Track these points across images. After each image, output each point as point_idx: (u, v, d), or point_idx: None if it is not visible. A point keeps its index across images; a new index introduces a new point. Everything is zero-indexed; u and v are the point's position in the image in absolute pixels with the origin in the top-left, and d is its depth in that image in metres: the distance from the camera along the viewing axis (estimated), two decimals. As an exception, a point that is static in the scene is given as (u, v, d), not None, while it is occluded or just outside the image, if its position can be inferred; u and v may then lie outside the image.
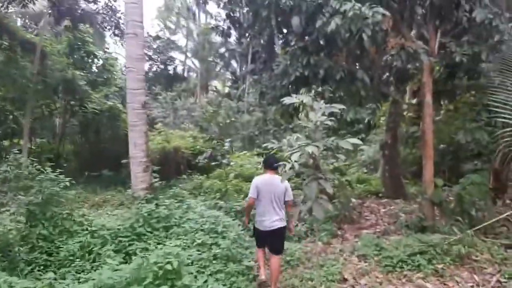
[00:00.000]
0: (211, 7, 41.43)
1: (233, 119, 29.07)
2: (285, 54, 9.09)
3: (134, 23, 8.81)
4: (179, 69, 42.34)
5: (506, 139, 7.33)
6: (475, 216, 9.39)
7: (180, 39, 41.72)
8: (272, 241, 6.38)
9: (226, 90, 40.42)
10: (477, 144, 10.52)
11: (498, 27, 8.65)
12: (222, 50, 41.68)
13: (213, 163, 13.89)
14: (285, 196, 6.32)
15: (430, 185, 10.03)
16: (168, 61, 40.67)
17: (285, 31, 9.69)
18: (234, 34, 13.32)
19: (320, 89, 8.31)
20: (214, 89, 42.99)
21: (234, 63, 43.16)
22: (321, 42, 8.66)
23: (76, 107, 17.11)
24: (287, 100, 5.91)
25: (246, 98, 32.36)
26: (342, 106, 5.89)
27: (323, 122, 5.79)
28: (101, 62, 19.06)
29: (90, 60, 18.29)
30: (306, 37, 8.85)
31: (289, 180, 6.23)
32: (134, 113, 8.90)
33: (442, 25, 10.10)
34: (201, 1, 39.84)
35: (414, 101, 16.36)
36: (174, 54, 41.16)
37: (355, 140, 5.83)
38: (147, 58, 39.95)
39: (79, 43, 17.59)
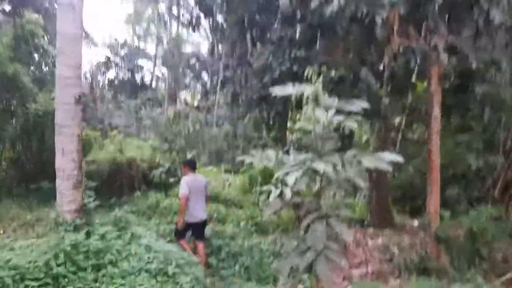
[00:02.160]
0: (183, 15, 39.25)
1: (200, 131, 26.85)
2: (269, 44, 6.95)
3: (70, -9, 6.48)
4: (147, 78, 39.86)
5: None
6: (492, 259, 7.42)
7: (149, 47, 39.25)
8: (200, 230, 7.93)
9: (196, 103, 38.18)
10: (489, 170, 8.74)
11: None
12: (193, 61, 39.53)
13: (172, 179, 11.53)
14: (206, 191, 8.16)
15: (435, 217, 8.11)
16: (136, 69, 38.16)
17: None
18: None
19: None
20: (183, 100, 40.59)
21: (205, 76, 41.13)
22: (315, 30, 6.55)
23: (17, 107, 14.40)
24: (278, 91, 3.79)
25: (215, 110, 30.24)
26: (364, 104, 3.80)
27: (339, 125, 3.63)
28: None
29: (39, 55, 15.64)
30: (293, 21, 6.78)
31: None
32: (63, 110, 6.54)
33: (454, 26, 8.24)
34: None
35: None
36: (143, 62, 38.69)
37: (392, 157, 3.71)
38: (113, 65, 37.40)
39: (26, 36, 14.98)
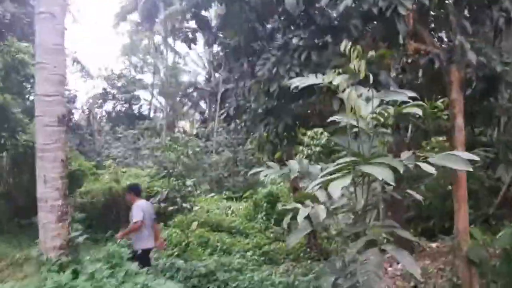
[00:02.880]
0: (179, 46, 38.97)
1: (200, 158, 26.07)
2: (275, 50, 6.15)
3: (51, -3, 5.74)
4: (145, 108, 39.24)
5: None
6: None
7: (146, 77, 38.76)
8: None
9: (194, 131, 37.46)
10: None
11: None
12: (191, 89, 39.07)
13: (171, 208, 10.59)
14: (153, 217, 7.98)
15: (465, 238, 7.16)
16: (133, 100, 37.54)
17: (269, 26, 6.81)
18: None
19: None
20: (182, 129, 39.87)
21: (202, 104, 40.58)
22: (326, 32, 5.78)
23: (7, 139, 13.56)
24: (298, 82, 2.96)
25: (215, 137, 29.50)
26: (411, 93, 2.98)
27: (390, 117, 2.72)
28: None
29: (29, 86, 14.90)
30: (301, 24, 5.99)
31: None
32: (45, 132, 5.69)
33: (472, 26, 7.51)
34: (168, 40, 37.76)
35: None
36: (140, 92, 38.12)
37: (469, 155, 2.84)
38: (110, 97, 36.80)
39: (16, 65, 14.29)
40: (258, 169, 3.32)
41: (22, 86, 14.72)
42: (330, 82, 2.91)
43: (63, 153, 5.84)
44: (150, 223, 7.70)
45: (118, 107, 37.32)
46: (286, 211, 3.95)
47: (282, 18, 6.23)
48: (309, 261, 9.88)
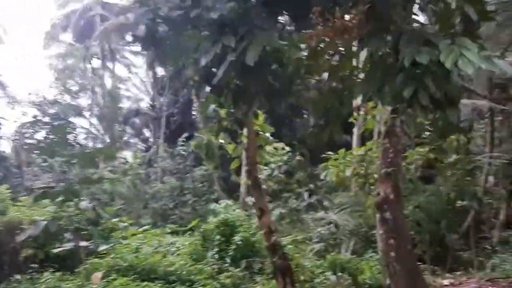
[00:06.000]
0: (119, 69, 35.34)
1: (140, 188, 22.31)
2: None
3: None
4: (82, 137, 34.77)
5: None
6: None
7: (83, 103, 34.51)
8: None
9: (138, 161, 33.40)
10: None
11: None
12: (133, 116, 35.11)
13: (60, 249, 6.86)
14: None
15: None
16: (68, 128, 33.05)
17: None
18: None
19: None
20: (123, 159, 35.67)
21: (146, 132, 36.70)
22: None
23: None
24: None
25: (160, 163, 25.76)
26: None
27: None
28: None
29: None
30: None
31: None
32: None
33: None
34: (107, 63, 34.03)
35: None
36: (76, 120, 33.73)
37: None
38: (41, 125, 32.21)
39: None
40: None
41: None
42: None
43: None
44: None
45: (51, 136, 32.64)
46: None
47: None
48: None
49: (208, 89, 4.48)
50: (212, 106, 6.48)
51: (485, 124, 14.37)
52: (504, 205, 12.92)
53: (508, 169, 12.81)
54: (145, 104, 36.65)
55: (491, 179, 13.36)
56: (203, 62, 3.95)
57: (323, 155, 12.17)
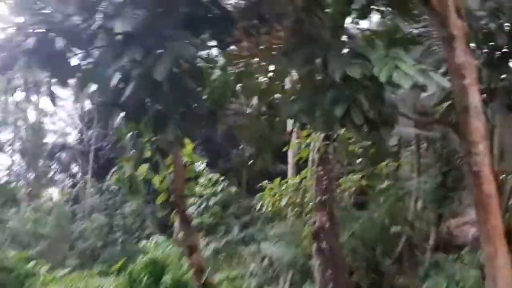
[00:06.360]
0: (45, 102, 33.29)
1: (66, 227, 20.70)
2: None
3: None
4: (2, 174, 32.12)
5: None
6: None
7: (4, 138, 32.11)
8: None
9: (64, 198, 31.21)
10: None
11: None
12: (58, 151, 33.00)
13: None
14: None
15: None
16: (-14, 165, 30.52)
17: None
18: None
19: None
20: (48, 197, 33.23)
21: (73, 167, 34.55)
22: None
23: None
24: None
25: (87, 199, 24.19)
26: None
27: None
28: None
29: None
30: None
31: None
32: None
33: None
34: (31, 97, 32.01)
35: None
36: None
37: None
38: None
39: None
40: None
41: None
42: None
43: None
44: None
45: (-34, 174, 29.95)
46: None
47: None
48: None
49: (121, 114, 3.98)
50: (129, 134, 5.96)
51: (411, 151, 14.77)
52: (433, 229, 13.18)
53: (435, 194, 13.12)
54: (72, 138, 34.69)
55: (420, 204, 13.64)
56: (114, 80, 3.48)
57: (260, 185, 11.90)
